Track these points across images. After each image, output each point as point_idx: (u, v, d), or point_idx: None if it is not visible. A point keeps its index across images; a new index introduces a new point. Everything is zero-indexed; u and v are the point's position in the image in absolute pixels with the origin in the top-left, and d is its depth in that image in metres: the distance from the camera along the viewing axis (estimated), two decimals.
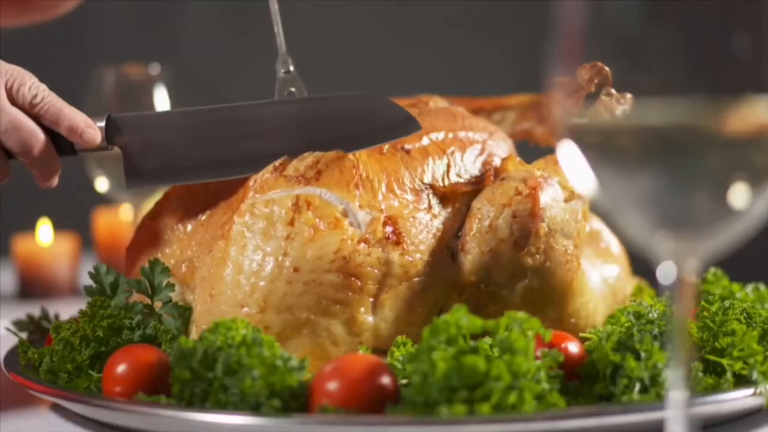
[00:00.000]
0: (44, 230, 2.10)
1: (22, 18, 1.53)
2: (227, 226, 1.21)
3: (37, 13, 1.54)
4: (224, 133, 1.24)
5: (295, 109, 1.26)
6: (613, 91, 1.18)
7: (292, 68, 1.31)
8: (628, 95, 1.09)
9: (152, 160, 1.25)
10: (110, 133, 1.25)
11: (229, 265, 1.18)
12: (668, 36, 0.77)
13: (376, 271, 1.18)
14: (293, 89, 1.30)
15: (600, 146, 0.80)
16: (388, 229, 1.20)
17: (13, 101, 1.21)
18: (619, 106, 1.15)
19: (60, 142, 1.23)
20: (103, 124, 1.24)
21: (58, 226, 2.13)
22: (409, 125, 1.24)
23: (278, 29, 1.32)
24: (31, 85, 1.21)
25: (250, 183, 1.21)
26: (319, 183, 1.20)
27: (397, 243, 1.19)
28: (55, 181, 1.25)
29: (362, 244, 1.18)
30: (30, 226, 2.14)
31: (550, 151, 1.31)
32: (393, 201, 1.22)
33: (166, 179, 1.26)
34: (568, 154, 0.81)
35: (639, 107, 0.78)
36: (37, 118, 1.22)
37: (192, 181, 1.25)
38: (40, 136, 1.21)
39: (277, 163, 1.22)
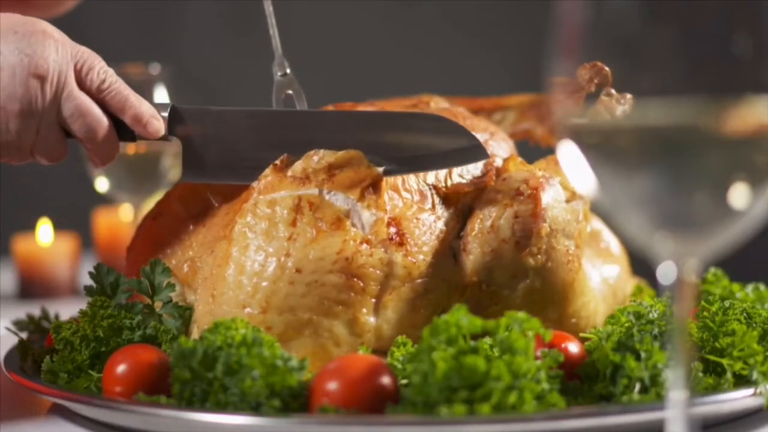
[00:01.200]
0: (44, 230, 2.10)
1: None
2: (229, 227, 1.21)
3: (36, 13, 1.54)
4: (286, 137, 1.23)
5: (362, 121, 1.23)
6: (613, 91, 1.17)
7: (288, 71, 1.31)
8: (628, 95, 1.09)
9: (212, 155, 1.24)
10: (172, 124, 1.24)
11: (231, 265, 1.18)
12: (668, 36, 0.77)
13: (378, 272, 1.18)
14: (290, 92, 1.30)
15: (600, 146, 0.80)
16: (392, 230, 1.20)
17: (81, 85, 1.20)
18: (619, 106, 1.15)
19: (122, 128, 1.23)
20: (166, 114, 1.24)
21: (58, 226, 2.13)
22: (477, 152, 1.22)
23: (273, 32, 1.32)
24: (100, 70, 1.21)
25: (255, 184, 1.21)
26: (332, 184, 1.19)
27: (401, 244, 1.19)
28: (109, 164, 1.25)
29: (364, 245, 1.18)
30: (30, 226, 2.14)
31: (551, 151, 1.31)
32: (397, 201, 1.22)
33: (222, 176, 1.25)
34: (569, 154, 0.81)
35: (639, 107, 0.78)
36: (102, 104, 1.22)
37: (247, 181, 1.24)
38: (105, 123, 1.21)
39: (278, 162, 1.22)
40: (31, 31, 1.18)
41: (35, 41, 1.18)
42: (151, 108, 1.23)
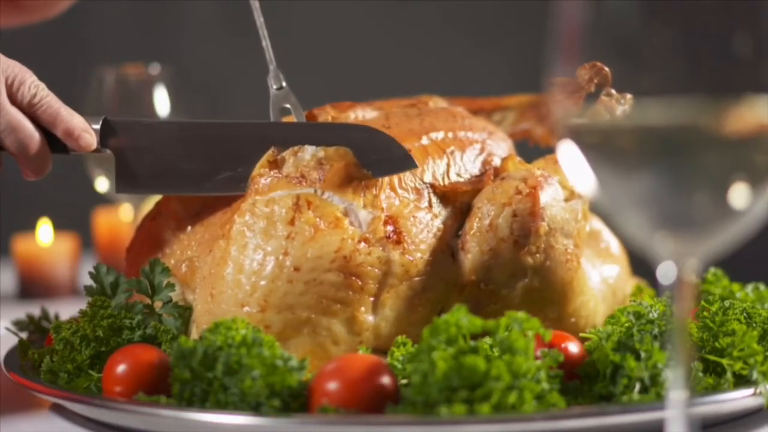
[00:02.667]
0: (44, 230, 2.10)
1: (12, 20, 1.53)
2: (228, 226, 1.21)
3: (26, 16, 1.53)
4: (216, 149, 1.24)
5: (292, 134, 1.24)
6: (613, 91, 1.18)
7: (284, 84, 1.31)
8: (628, 95, 1.09)
9: (144, 167, 1.24)
10: (105, 136, 1.24)
11: (230, 264, 1.19)
12: (668, 36, 0.77)
13: (376, 270, 1.18)
14: (287, 105, 1.30)
15: (600, 146, 0.80)
16: (389, 228, 1.20)
17: (13, 99, 1.20)
18: (619, 106, 1.15)
19: (54, 142, 1.23)
20: (98, 126, 1.24)
21: (58, 226, 2.13)
22: (406, 162, 1.23)
23: (266, 44, 1.32)
24: (31, 84, 1.21)
25: (253, 184, 1.21)
26: (324, 184, 1.19)
27: (398, 242, 1.19)
28: (42, 176, 1.25)
29: (363, 244, 1.18)
30: (30, 226, 2.14)
31: (550, 151, 1.31)
32: (394, 200, 1.22)
33: (155, 188, 1.26)
34: (568, 154, 0.81)
35: (639, 107, 0.78)
36: (34, 118, 1.22)
37: (180, 192, 1.25)
38: (37, 137, 1.21)
39: (269, 157, 1.22)
40: None
41: None
42: (83, 122, 1.23)
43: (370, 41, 3.32)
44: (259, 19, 1.32)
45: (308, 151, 1.21)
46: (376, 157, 1.22)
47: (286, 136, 1.23)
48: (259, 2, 1.32)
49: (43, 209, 2.29)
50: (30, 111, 1.21)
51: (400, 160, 1.22)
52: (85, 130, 1.22)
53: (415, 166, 1.23)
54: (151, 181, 1.24)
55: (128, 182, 1.25)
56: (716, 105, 0.77)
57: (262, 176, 1.21)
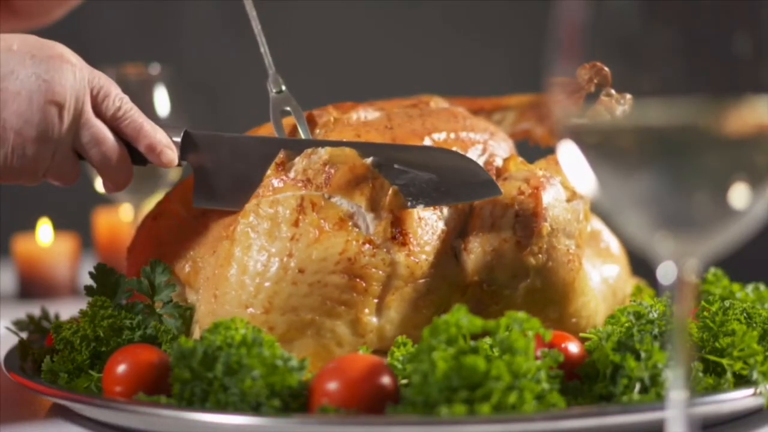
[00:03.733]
0: (44, 230, 2.10)
1: (8, 26, 1.53)
2: (231, 227, 1.21)
3: (24, 23, 1.54)
4: None
5: (376, 152, 1.23)
6: (613, 91, 1.17)
7: (284, 87, 1.31)
8: (628, 95, 1.09)
9: (223, 182, 1.24)
10: (185, 150, 1.24)
11: (234, 265, 1.18)
12: (668, 36, 0.77)
13: (380, 272, 1.18)
14: (288, 108, 1.30)
15: (600, 146, 0.80)
16: (395, 229, 1.20)
17: (97, 111, 1.20)
18: (619, 106, 1.15)
19: (136, 153, 1.23)
20: (179, 139, 1.24)
21: (58, 226, 2.13)
22: (490, 188, 1.22)
23: (264, 50, 1.32)
24: (116, 97, 1.21)
25: (264, 186, 1.21)
26: (330, 188, 1.19)
27: (404, 244, 1.19)
28: (124, 189, 1.25)
29: (367, 245, 1.18)
30: (30, 226, 2.14)
31: (550, 151, 1.31)
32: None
33: (233, 203, 1.25)
34: (569, 154, 0.81)
35: (639, 107, 0.78)
36: (117, 131, 1.21)
37: None
38: (120, 150, 1.21)
39: (278, 160, 1.22)
40: (48, 56, 1.17)
41: (53, 66, 1.17)
42: (165, 137, 1.23)
43: (370, 41, 3.32)
44: (257, 27, 1.32)
45: (318, 154, 1.21)
46: (461, 182, 1.21)
47: (366, 151, 1.22)
48: (255, 11, 1.33)
49: (43, 209, 2.30)
50: (113, 124, 1.21)
51: (485, 186, 1.22)
52: (167, 146, 1.22)
53: (500, 193, 1.21)
54: (228, 196, 1.23)
55: (206, 196, 1.25)
56: (716, 105, 0.77)
57: (270, 178, 1.21)
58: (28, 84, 1.16)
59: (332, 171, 1.20)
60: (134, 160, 1.23)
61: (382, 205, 1.20)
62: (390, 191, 1.20)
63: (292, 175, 1.21)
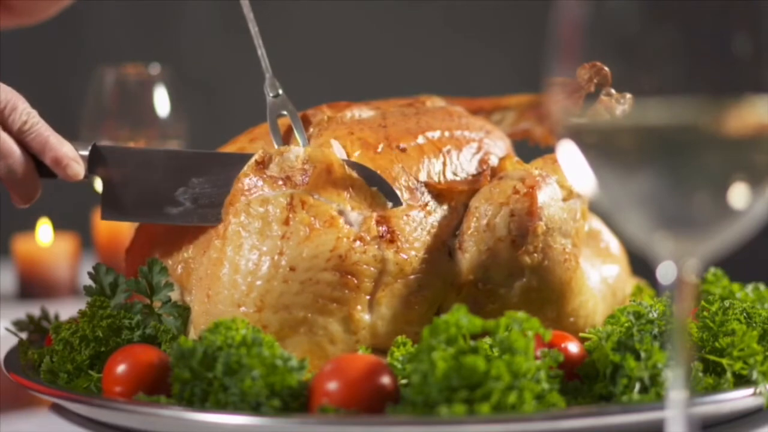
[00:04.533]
0: (44, 230, 2.10)
1: (2, 23, 1.53)
2: (222, 226, 1.21)
3: (17, 18, 1.53)
4: (202, 179, 1.24)
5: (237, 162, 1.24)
6: (613, 91, 1.17)
7: (281, 91, 1.31)
8: (628, 95, 1.09)
9: (130, 195, 1.24)
10: (93, 163, 1.25)
11: (226, 264, 1.19)
12: (668, 36, 0.77)
13: (372, 268, 1.18)
14: (285, 112, 1.30)
15: (600, 146, 0.80)
16: (382, 228, 1.20)
17: (3, 125, 1.21)
18: (618, 106, 1.15)
19: (44, 168, 1.23)
20: (86, 153, 1.24)
21: (58, 226, 2.13)
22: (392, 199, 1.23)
23: (262, 53, 1.32)
24: (23, 111, 1.21)
25: (238, 184, 1.21)
26: (308, 186, 1.20)
27: (392, 241, 1.19)
28: (31, 202, 1.25)
29: (358, 242, 1.18)
30: (30, 226, 2.14)
31: (550, 151, 1.31)
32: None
33: (140, 216, 1.26)
34: (568, 154, 0.81)
35: (639, 107, 0.78)
36: (23, 144, 1.22)
37: (166, 222, 1.25)
38: (26, 164, 1.22)
39: (257, 157, 1.22)
40: None
41: None
42: (72, 150, 1.23)
43: (370, 41, 3.32)
44: (254, 29, 1.33)
45: (293, 152, 1.21)
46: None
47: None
48: (253, 13, 1.33)
49: (43, 209, 2.29)
50: (20, 137, 1.21)
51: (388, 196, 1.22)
52: (73, 159, 1.23)
53: (401, 205, 1.22)
54: (136, 210, 1.24)
55: (114, 209, 1.25)
56: (716, 105, 0.77)
57: (247, 176, 1.21)
58: None
59: (309, 169, 1.20)
60: (42, 174, 1.24)
61: (364, 204, 1.20)
62: (369, 191, 1.21)
63: (268, 172, 1.21)
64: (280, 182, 1.20)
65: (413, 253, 1.21)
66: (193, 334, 1.21)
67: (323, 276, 1.17)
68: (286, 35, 3.23)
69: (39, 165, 1.23)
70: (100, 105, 1.84)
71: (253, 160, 1.22)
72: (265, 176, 1.21)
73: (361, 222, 1.19)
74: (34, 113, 1.22)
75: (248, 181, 1.21)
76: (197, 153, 1.26)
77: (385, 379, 1.05)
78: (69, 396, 1.14)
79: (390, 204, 1.21)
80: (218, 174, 1.23)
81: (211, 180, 1.24)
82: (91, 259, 2.19)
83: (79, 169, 1.23)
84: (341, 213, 1.19)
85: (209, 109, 3.19)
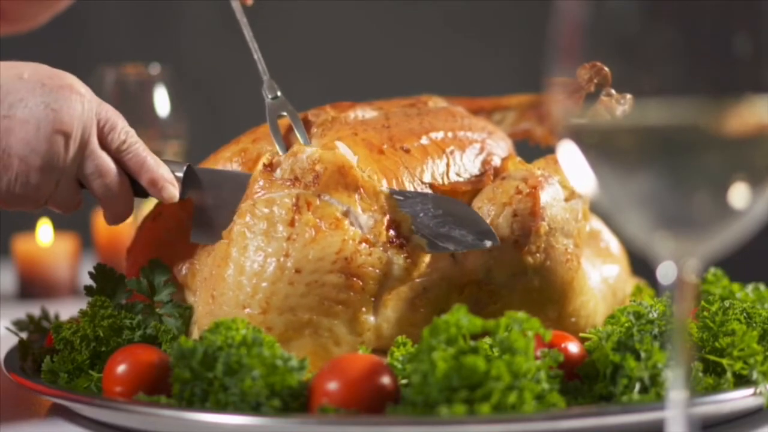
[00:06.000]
0: (44, 230, 2.10)
1: None
2: (228, 228, 1.21)
3: (8, 26, 1.54)
4: None
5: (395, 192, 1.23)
6: (613, 91, 1.18)
7: (279, 93, 1.31)
8: (628, 95, 1.09)
9: (223, 219, 1.24)
10: (187, 185, 1.24)
11: (231, 266, 1.18)
12: (668, 36, 0.77)
13: (377, 271, 1.18)
14: (284, 113, 1.30)
15: (600, 146, 0.80)
16: (392, 232, 1.20)
17: (103, 144, 1.20)
18: (619, 106, 1.15)
19: (138, 187, 1.23)
20: (181, 174, 1.24)
21: (58, 226, 2.12)
22: (489, 237, 1.21)
23: (257, 56, 1.33)
24: (122, 130, 1.21)
25: (251, 188, 1.21)
26: (318, 187, 1.19)
27: (401, 246, 1.19)
28: (123, 222, 1.24)
29: (363, 244, 1.18)
30: (30, 226, 2.14)
31: (550, 150, 1.31)
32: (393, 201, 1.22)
33: None
34: (568, 154, 0.81)
35: (639, 107, 0.78)
36: (121, 163, 1.22)
37: None
38: (122, 183, 1.21)
39: (265, 161, 1.22)
40: (59, 86, 1.17)
41: (62, 96, 1.17)
42: (168, 171, 1.23)
43: (370, 41, 3.32)
44: (249, 33, 1.33)
45: (305, 154, 1.21)
46: (463, 228, 1.21)
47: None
48: (246, 18, 1.33)
49: (43, 209, 2.29)
50: (118, 156, 1.21)
51: (485, 235, 1.21)
52: (169, 181, 1.22)
53: (498, 243, 1.21)
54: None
55: (205, 232, 1.24)
56: (716, 105, 0.77)
57: (257, 179, 1.21)
58: (37, 112, 1.16)
59: (320, 170, 1.20)
60: (136, 193, 1.24)
61: (375, 207, 1.20)
62: (381, 194, 1.20)
63: (278, 174, 1.21)
64: (289, 183, 1.20)
65: (414, 252, 1.20)
66: (196, 335, 1.21)
67: (329, 278, 1.17)
68: (287, 35, 3.23)
69: (134, 184, 1.23)
70: None
71: (261, 163, 1.22)
72: (274, 178, 1.21)
73: (372, 225, 1.19)
74: (132, 133, 1.22)
75: (260, 183, 1.21)
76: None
77: (385, 379, 1.05)
78: (69, 396, 1.14)
79: (488, 243, 1.20)
80: None
81: None
82: (91, 259, 2.19)
83: (174, 192, 1.23)
84: (347, 214, 1.19)
85: (209, 109, 3.20)
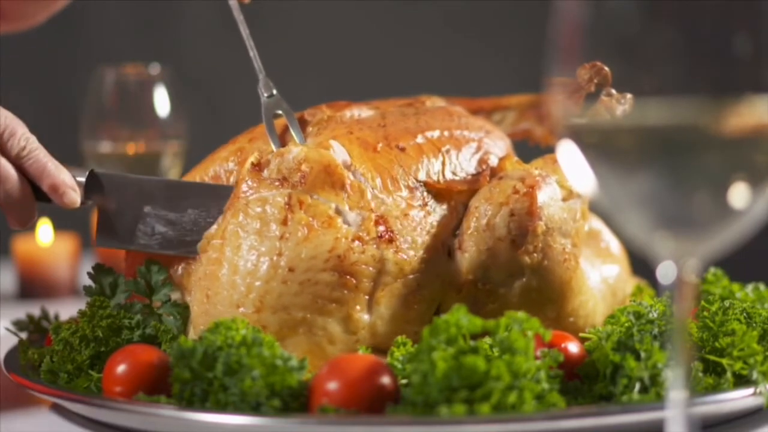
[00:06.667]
0: (44, 230, 2.09)
1: None
2: (221, 227, 1.21)
3: (5, 25, 1.53)
4: (197, 211, 1.24)
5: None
6: (613, 91, 1.18)
7: (275, 91, 1.31)
8: (628, 95, 1.09)
9: (125, 224, 1.25)
10: (90, 189, 1.25)
11: (225, 265, 1.19)
12: (668, 36, 0.77)
13: (371, 268, 1.18)
14: (279, 111, 1.30)
15: (600, 146, 0.80)
16: (380, 228, 1.20)
17: (2, 150, 1.21)
18: (619, 106, 1.15)
19: (40, 192, 1.24)
20: (83, 179, 1.24)
21: (58, 226, 2.12)
22: None
23: (253, 54, 1.33)
24: (21, 136, 1.22)
25: (237, 188, 1.21)
26: (305, 186, 1.19)
27: (391, 241, 1.19)
28: (27, 226, 1.25)
29: (356, 242, 1.18)
30: (30, 226, 2.13)
31: (550, 151, 1.31)
32: (387, 198, 1.22)
33: (135, 244, 1.25)
34: (568, 154, 0.81)
35: (639, 107, 0.78)
36: (21, 169, 1.22)
37: (157, 251, 1.25)
38: (23, 189, 1.22)
39: (254, 160, 1.22)
40: None
41: None
42: (70, 177, 1.23)
43: (370, 41, 3.32)
44: (245, 31, 1.33)
45: (292, 153, 1.21)
46: None
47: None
48: (243, 15, 1.33)
49: (44, 209, 2.29)
50: (18, 162, 1.22)
51: None
52: (70, 187, 1.23)
53: None
54: (129, 238, 1.24)
55: (108, 236, 1.26)
56: (716, 105, 0.77)
57: (245, 178, 1.21)
58: None
59: (307, 170, 1.20)
60: (39, 198, 1.24)
61: (362, 203, 1.20)
62: (367, 192, 1.21)
63: (266, 174, 1.21)
64: (277, 183, 1.20)
65: (412, 253, 1.21)
66: (192, 335, 1.21)
67: (322, 276, 1.17)
68: (285, 35, 3.23)
69: (36, 190, 1.23)
70: (100, 105, 1.84)
71: (249, 162, 1.22)
72: (262, 178, 1.21)
73: (360, 222, 1.19)
74: (33, 139, 1.23)
75: (251, 182, 1.21)
76: (195, 184, 1.26)
77: (385, 379, 1.05)
78: (69, 396, 1.14)
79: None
80: (210, 205, 1.23)
81: (205, 211, 1.24)
82: (91, 259, 2.19)
83: (75, 197, 1.23)
84: (339, 213, 1.19)
85: (209, 109, 3.19)
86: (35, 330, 1.40)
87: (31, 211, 1.24)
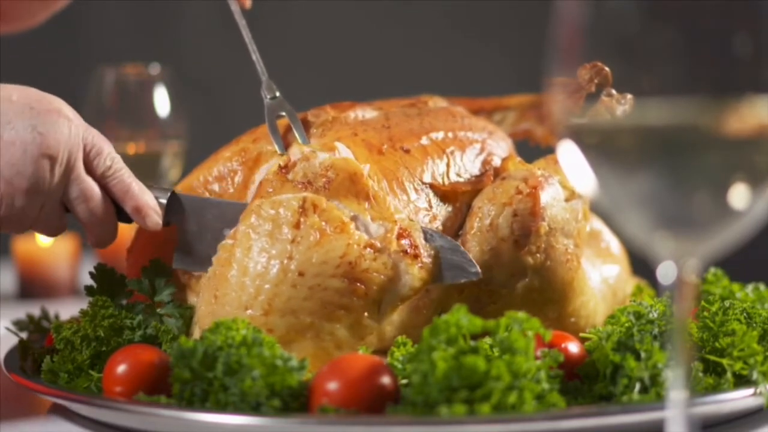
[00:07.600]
0: None
1: None
2: (233, 228, 1.21)
3: (6, 25, 1.53)
4: None
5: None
6: (614, 91, 1.18)
7: (278, 93, 1.31)
8: (629, 95, 1.09)
9: (204, 246, 1.24)
10: (170, 211, 1.24)
11: (234, 266, 1.18)
12: (668, 36, 0.77)
13: (382, 276, 1.18)
14: (283, 113, 1.30)
15: (600, 146, 0.80)
16: (405, 242, 1.19)
17: (88, 168, 1.21)
18: (619, 106, 1.15)
19: (122, 212, 1.23)
20: (165, 201, 1.24)
21: None
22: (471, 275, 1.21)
23: (256, 57, 1.33)
24: (107, 155, 1.21)
25: (258, 187, 1.21)
26: (329, 192, 1.19)
27: (416, 256, 1.19)
28: (107, 246, 1.25)
29: (368, 249, 1.18)
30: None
31: (550, 151, 1.31)
32: (394, 201, 1.22)
33: (210, 266, 1.24)
34: (569, 154, 0.81)
35: (639, 107, 0.78)
36: (105, 189, 1.22)
37: None
38: (106, 208, 1.22)
39: (281, 163, 1.22)
40: (47, 109, 1.17)
41: (49, 120, 1.17)
42: (152, 198, 1.23)
43: (371, 41, 3.32)
44: (247, 35, 1.33)
45: (318, 159, 1.21)
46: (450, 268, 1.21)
47: None
48: (245, 20, 1.34)
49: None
50: (103, 182, 1.22)
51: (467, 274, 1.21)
52: (153, 209, 1.23)
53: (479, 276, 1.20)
54: (209, 260, 1.22)
55: (187, 259, 1.25)
56: (716, 105, 0.77)
57: (270, 180, 1.21)
58: (24, 135, 1.16)
59: (332, 176, 1.20)
60: (120, 218, 1.24)
61: (384, 216, 1.20)
62: (389, 204, 1.20)
63: (291, 176, 1.21)
64: (300, 186, 1.20)
65: (428, 261, 1.20)
66: (197, 335, 1.21)
67: (332, 282, 1.17)
68: (287, 36, 3.23)
69: (118, 210, 1.23)
70: (100, 105, 1.84)
71: (275, 164, 1.22)
72: (287, 180, 1.21)
73: (383, 234, 1.18)
74: (118, 158, 1.22)
75: (276, 184, 1.21)
76: None
77: (385, 379, 1.05)
78: (69, 396, 1.14)
79: (464, 279, 1.20)
80: None
81: None
82: (91, 259, 2.19)
83: (157, 220, 1.23)
84: (354, 219, 1.19)
85: (209, 109, 3.19)
86: (35, 330, 1.40)
87: (113, 232, 1.24)
